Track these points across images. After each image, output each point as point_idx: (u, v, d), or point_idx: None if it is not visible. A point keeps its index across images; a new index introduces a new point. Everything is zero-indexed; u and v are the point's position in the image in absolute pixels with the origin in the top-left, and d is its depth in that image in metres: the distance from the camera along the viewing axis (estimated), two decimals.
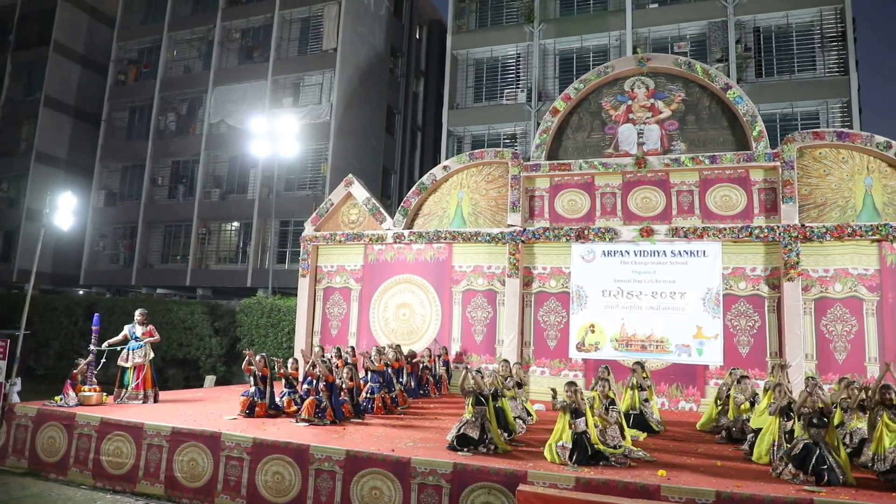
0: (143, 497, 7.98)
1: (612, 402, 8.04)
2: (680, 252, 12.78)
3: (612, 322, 12.94)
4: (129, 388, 10.36)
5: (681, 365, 12.46)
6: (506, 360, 10.53)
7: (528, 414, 9.82)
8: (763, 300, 12.25)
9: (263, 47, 25.98)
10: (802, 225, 11.92)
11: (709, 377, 12.10)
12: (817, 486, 6.10)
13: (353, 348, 12.78)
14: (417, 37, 30.76)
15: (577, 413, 7.07)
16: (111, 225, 27.86)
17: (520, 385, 9.90)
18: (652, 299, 12.86)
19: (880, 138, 11.83)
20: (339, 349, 11.98)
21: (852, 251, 11.79)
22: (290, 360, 10.31)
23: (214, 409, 9.92)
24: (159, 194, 27.01)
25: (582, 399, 7.17)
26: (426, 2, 31.90)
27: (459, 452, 7.19)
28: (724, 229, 12.38)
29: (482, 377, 8.00)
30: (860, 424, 7.61)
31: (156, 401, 10.52)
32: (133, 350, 10.65)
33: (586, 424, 7.02)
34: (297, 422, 9.02)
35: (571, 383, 7.40)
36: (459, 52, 24.29)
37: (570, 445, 6.91)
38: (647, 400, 9.63)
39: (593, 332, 13.01)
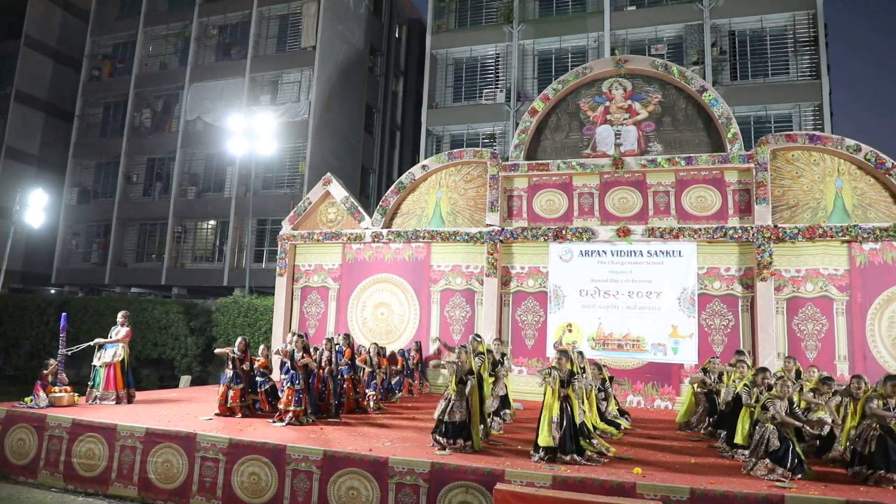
0: (116, 499, 7.85)
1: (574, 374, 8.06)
2: (656, 252, 12.93)
3: (589, 321, 13.05)
4: (100, 389, 10.18)
5: (656, 364, 12.61)
6: (499, 340, 10.49)
7: (508, 406, 9.85)
8: (737, 300, 12.44)
9: (241, 44, 25.72)
10: (775, 226, 12.14)
11: (684, 375, 12.26)
12: (790, 482, 6.21)
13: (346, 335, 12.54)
14: (397, 36, 30.69)
15: (565, 383, 7.17)
16: (84, 223, 27.37)
17: (500, 363, 9.94)
18: (628, 299, 12.99)
19: (850, 141, 12.09)
20: (347, 336, 11.56)
21: (823, 252, 12.04)
22: (262, 347, 10.20)
23: (190, 410, 9.79)
24: (134, 192, 26.60)
25: (571, 367, 7.31)
26: (406, 1, 31.84)
27: (438, 452, 7.20)
28: (700, 230, 12.56)
29: (467, 352, 7.92)
30: (822, 413, 7.80)
31: (130, 401, 10.35)
32: (105, 349, 10.49)
33: (572, 396, 7.16)
34: (273, 422, 8.95)
35: (563, 352, 7.54)
36: (439, 51, 24.30)
37: (558, 419, 7.01)
38: (605, 399, 9.69)
39: (570, 331, 13.07)
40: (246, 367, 9.90)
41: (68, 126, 28.47)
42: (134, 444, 7.94)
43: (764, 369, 7.96)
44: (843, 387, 7.72)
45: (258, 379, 10.02)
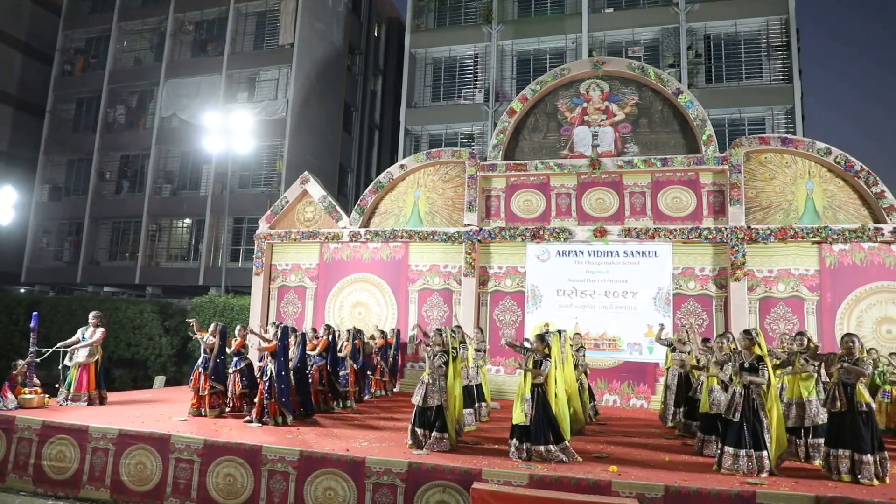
0: (88, 502, 7.71)
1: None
2: (632, 252, 13.07)
3: (566, 321, 13.12)
4: (72, 390, 10.00)
5: (632, 363, 12.75)
6: (479, 329, 10.59)
7: (484, 400, 9.90)
8: (711, 299, 12.63)
9: (218, 41, 25.43)
10: (748, 227, 12.34)
11: (659, 374, 12.37)
12: (759, 479, 6.33)
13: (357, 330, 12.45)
14: (376, 34, 30.60)
15: (539, 364, 7.30)
16: (55, 220, 26.85)
17: (479, 349, 9.99)
18: (605, 299, 13.12)
19: (821, 144, 12.34)
20: (328, 326, 11.38)
21: (794, 252, 12.27)
22: (238, 328, 10.08)
23: (164, 411, 9.66)
24: (107, 189, 26.16)
25: (548, 351, 7.44)
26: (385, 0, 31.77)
27: (415, 453, 7.20)
28: (675, 230, 12.72)
29: (441, 335, 7.98)
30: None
31: (102, 402, 10.18)
32: (78, 350, 10.30)
33: (545, 378, 7.29)
34: (249, 421, 8.88)
35: (541, 335, 7.67)
36: (418, 51, 24.28)
37: (530, 396, 7.16)
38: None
39: (548, 331, 13.14)
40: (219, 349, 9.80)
41: (39, 121, 27.87)
42: (106, 446, 7.80)
43: (722, 335, 8.38)
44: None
45: (234, 358, 9.89)
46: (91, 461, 7.83)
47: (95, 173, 25.87)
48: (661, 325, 11.19)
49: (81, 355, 10.22)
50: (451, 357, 7.81)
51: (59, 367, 10.27)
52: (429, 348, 7.97)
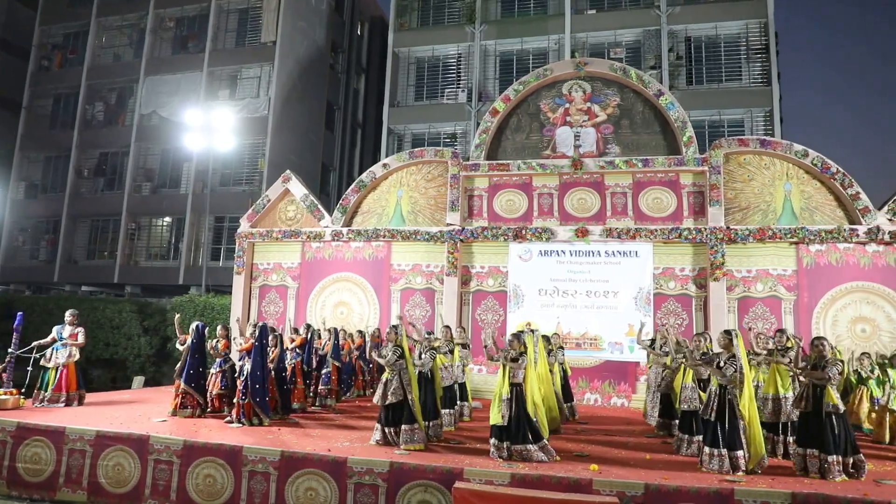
0: None
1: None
2: (613, 252, 13.16)
3: (548, 320, 13.19)
4: (49, 391, 9.84)
5: (613, 362, 12.85)
6: (447, 327, 10.61)
7: (466, 397, 9.93)
8: (691, 299, 12.76)
9: (199, 37, 25.18)
10: (728, 227, 12.49)
11: (640, 374, 12.51)
12: (737, 476, 6.41)
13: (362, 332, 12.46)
14: (359, 33, 30.50)
15: (515, 361, 7.35)
16: (32, 218, 26.42)
17: (465, 346, 10.02)
18: (586, 298, 13.20)
19: (798, 146, 12.52)
20: (308, 325, 11.39)
21: (773, 253, 12.44)
22: (219, 328, 9.96)
23: (143, 411, 9.55)
24: (85, 187, 25.80)
25: (523, 349, 7.49)
26: None
27: (397, 451, 7.20)
28: (656, 231, 12.83)
29: (397, 333, 8.03)
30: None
31: (80, 403, 10.04)
32: (57, 350, 10.15)
33: (524, 377, 7.35)
34: (229, 421, 8.81)
35: (516, 335, 7.74)
36: (401, 50, 24.24)
37: (508, 396, 7.20)
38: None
39: (531, 330, 13.19)
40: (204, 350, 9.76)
41: (15, 117, 27.38)
42: (83, 448, 7.70)
43: (699, 334, 8.63)
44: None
45: (217, 359, 9.80)
46: (68, 463, 7.72)
47: (73, 170, 25.50)
48: (642, 324, 11.15)
49: (62, 356, 10.07)
50: (405, 351, 7.89)
51: (29, 368, 10.10)
52: (383, 348, 8.04)
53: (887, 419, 9.14)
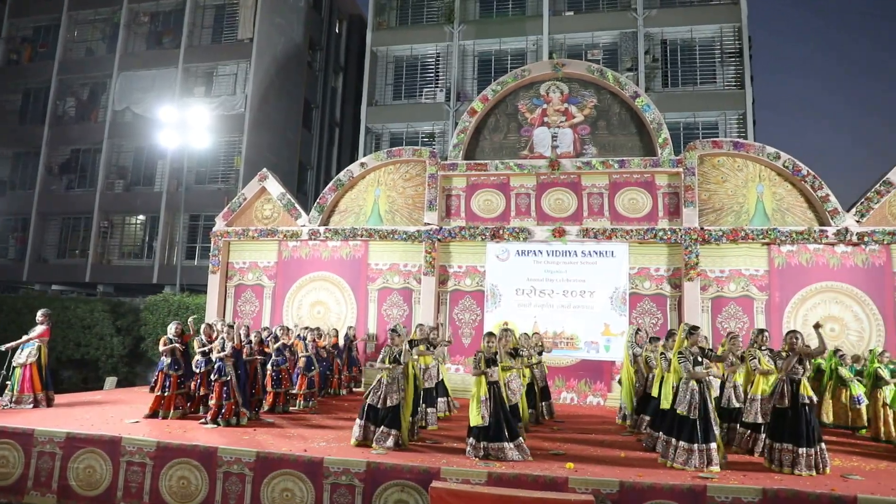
0: None
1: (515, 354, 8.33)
2: (590, 252, 13.27)
3: (524, 320, 13.25)
4: (15, 392, 9.64)
5: (589, 361, 12.96)
6: (421, 325, 10.57)
7: (447, 395, 9.91)
8: (665, 299, 12.92)
9: (174, 33, 24.82)
10: (702, 228, 12.67)
11: (615, 373, 12.62)
12: (709, 471, 6.51)
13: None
14: (337, 31, 30.31)
15: (491, 362, 7.41)
16: (0, 215, 25.81)
17: (433, 345, 9.87)
18: (563, 298, 13.29)
19: (771, 149, 12.75)
20: (283, 327, 11.33)
21: (745, 253, 12.66)
22: (203, 326, 9.83)
23: (115, 413, 9.40)
24: (56, 184, 25.26)
25: (499, 348, 7.58)
26: None
27: (373, 451, 7.18)
28: (631, 231, 12.97)
29: (399, 335, 7.99)
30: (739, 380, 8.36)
31: (49, 404, 9.84)
32: (23, 349, 9.95)
33: (499, 375, 7.40)
34: (204, 423, 8.71)
35: (490, 333, 7.79)
36: (379, 48, 24.17)
37: (486, 396, 7.25)
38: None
39: (507, 330, 13.24)
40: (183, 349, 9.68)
41: None
42: (53, 450, 7.55)
43: (671, 332, 8.57)
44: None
45: (199, 359, 9.65)
46: (36, 466, 7.56)
47: (43, 167, 24.95)
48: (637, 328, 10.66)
49: (24, 355, 9.87)
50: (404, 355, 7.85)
51: (10, 367, 9.90)
52: (387, 349, 7.91)
53: (890, 416, 9.41)
